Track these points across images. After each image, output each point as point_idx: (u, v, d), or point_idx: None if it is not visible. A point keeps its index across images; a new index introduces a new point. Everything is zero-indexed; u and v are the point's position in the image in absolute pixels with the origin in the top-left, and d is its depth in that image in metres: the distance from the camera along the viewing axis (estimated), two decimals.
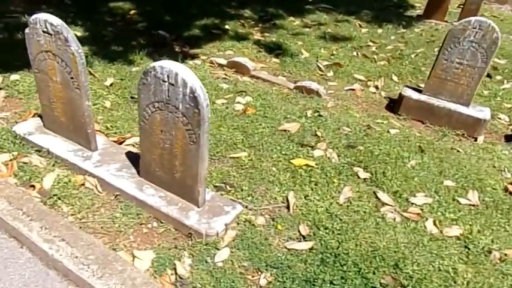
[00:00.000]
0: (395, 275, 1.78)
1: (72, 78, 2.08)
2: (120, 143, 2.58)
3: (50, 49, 2.06)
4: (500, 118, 3.61)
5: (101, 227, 1.94)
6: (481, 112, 3.32)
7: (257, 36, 4.95)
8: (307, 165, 2.52)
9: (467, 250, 2.02)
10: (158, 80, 1.79)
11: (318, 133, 2.93)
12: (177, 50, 4.35)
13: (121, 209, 2.05)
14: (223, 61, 4.07)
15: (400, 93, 3.57)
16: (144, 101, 1.89)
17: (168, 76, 1.74)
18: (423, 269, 1.84)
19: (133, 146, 2.58)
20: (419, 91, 3.54)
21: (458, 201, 2.36)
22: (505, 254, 2.01)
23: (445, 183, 2.51)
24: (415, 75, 4.35)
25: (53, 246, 1.64)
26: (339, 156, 2.68)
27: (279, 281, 1.75)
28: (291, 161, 2.55)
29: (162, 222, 2.00)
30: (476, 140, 3.25)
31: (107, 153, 2.34)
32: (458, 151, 2.96)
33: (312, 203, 2.22)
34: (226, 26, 5.10)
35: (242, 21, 5.33)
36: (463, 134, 3.28)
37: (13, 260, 1.68)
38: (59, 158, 2.28)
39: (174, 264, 1.78)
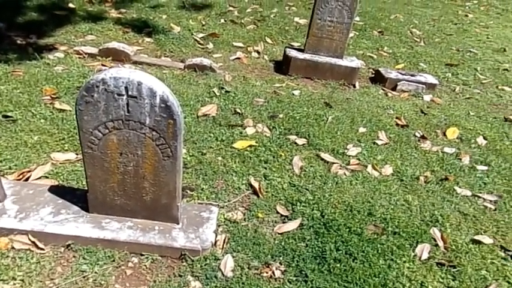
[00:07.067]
0: (374, 222, 2.03)
1: None
2: (26, 179, 2.01)
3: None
4: None
5: None
6: (354, 62, 3.83)
7: (114, 14, 4.35)
8: (250, 145, 2.49)
9: (402, 181, 2.42)
10: (111, 95, 1.44)
11: (238, 110, 2.90)
12: (20, 42, 3.47)
13: (84, 258, 1.66)
14: (93, 49, 3.47)
15: (285, 55, 3.78)
16: (90, 123, 1.51)
17: (126, 88, 1.42)
18: (388, 208, 2.14)
19: (47, 177, 2.05)
20: (301, 50, 3.83)
21: (376, 143, 2.76)
22: (426, 176, 2.49)
23: (359, 130, 2.88)
24: (283, 35, 4.63)
25: None
26: (269, 128, 2.74)
27: (291, 266, 1.77)
28: (233, 145, 2.48)
29: (142, 255, 1.72)
30: (354, 86, 3.78)
31: (22, 198, 1.80)
32: (352, 99, 3.39)
33: (275, 182, 2.25)
34: (71, 5, 4.29)
35: None
36: (344, 83, 3.76)
37: None
38: None
39: None
